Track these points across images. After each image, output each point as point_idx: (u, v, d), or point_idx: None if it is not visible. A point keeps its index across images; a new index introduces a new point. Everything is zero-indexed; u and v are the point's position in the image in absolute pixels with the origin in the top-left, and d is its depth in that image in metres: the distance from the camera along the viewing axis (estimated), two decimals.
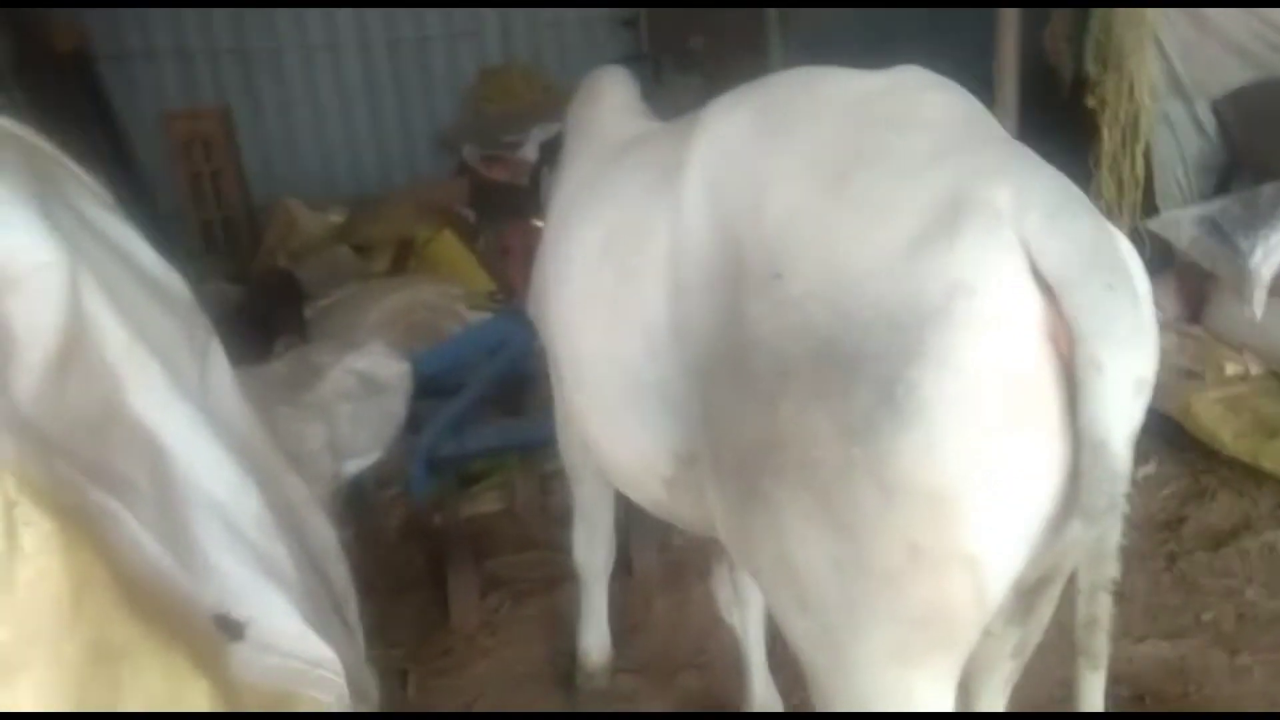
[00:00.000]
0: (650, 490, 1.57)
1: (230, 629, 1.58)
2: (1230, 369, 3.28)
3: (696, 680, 2.54)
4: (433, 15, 8.23)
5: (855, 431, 1.07)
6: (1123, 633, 2.60)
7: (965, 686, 1.33)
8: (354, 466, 2.54)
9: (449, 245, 5.29)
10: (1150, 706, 2.33)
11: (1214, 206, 3.42)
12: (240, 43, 7.72)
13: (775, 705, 2.34)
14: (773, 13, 5.92)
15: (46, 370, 1.39)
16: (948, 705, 1.19)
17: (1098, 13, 3.62)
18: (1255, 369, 3.29)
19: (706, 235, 1.29)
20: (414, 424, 2.67)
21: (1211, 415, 3.10)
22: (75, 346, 1.46)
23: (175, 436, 1.58)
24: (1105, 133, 3.54)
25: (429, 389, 2.77)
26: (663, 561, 3.04)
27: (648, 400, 1.44)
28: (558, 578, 3.03)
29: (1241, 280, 3.10)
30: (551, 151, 2.45)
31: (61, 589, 1.25)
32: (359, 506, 2.65)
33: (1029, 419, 1.04)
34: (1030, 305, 1.03)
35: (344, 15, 8.01)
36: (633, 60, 8.58)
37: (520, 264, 2.58)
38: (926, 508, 1.06)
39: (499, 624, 2.82)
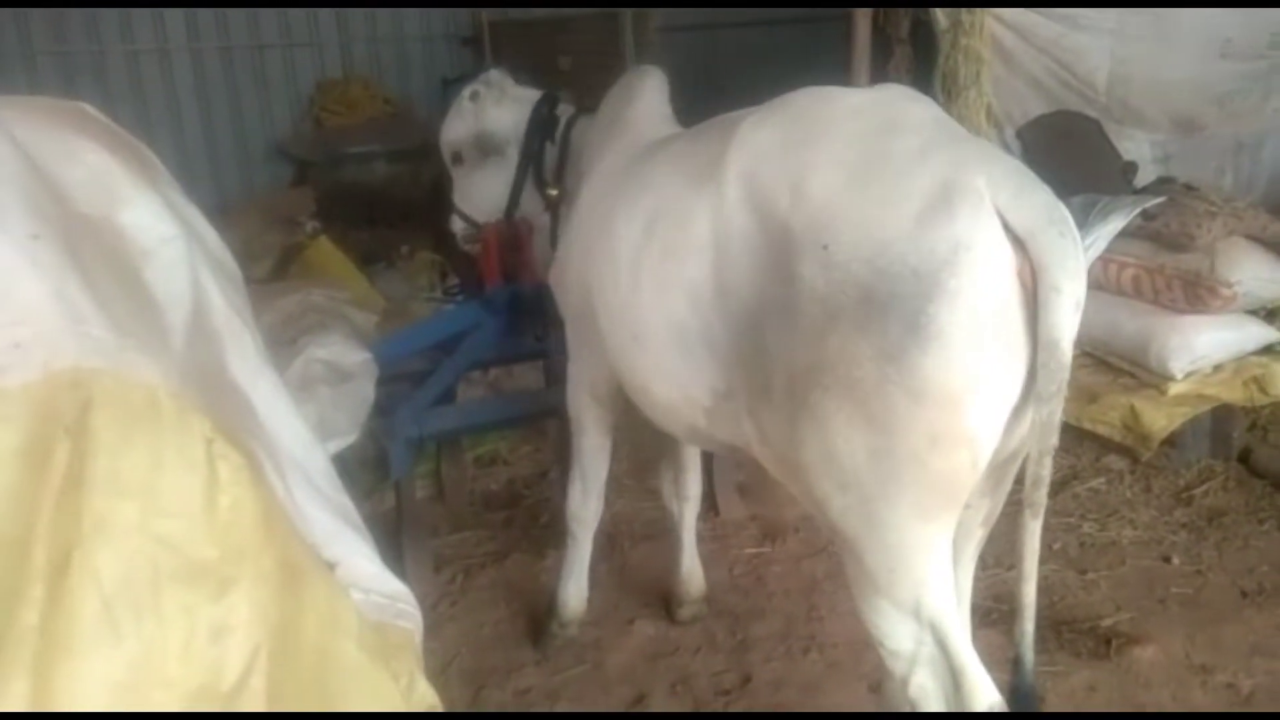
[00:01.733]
0: (690, 419, 1.95)
1: None
2: None
3: (651, 627, 2.84)
4: (270, 24, 8.12)
5: (889, 354, 1.47)
6: (995, 563, 3.12)
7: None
8: (334, 447, 2.66)
9: (326, 251, 5.34)
10: None
11: None
12: (62, 45, 7.33)
13: (698, 570, 2.86)
14: (629, 37, 6.32)
15: (184, 333, 1.55)
16: (948, 548, 1.62)
17: (943, 49, 4.23)
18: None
19: (746, 217, 1.67)
20: (379, 408, 2.82)
21: None
22: (197, 312, 1.61)
23: (262, 399, 1.74)
24: None
25: (385, 375, 2.93)
26: (599, 533, 3.31)
27: (693, 347, 1.80)
28: (500, 553, 3.27)
29: None
30: (540, 125, 2.70)
31: (255, 514, 1.43)
32: None
33: (1007, 333, 1.47)
34: (1006, 254, 1.46)
35: (173, 19, 7.77)
36: (475, 77, 8.78)
37: (496, 258, 2.81)
38: (944, 405, 1.47)
39: (455, 595, 3.01)
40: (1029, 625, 1.63)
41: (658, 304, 1.85)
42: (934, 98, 4.42)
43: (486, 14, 8.44)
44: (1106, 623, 2.76)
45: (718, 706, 2.53)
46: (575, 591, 2.74)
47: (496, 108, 2.75)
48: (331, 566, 1.75)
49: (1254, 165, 5.41)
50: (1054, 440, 1.50)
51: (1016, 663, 1.64)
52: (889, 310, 1.45)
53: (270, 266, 5.26)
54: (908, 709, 1.67)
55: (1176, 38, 5.16)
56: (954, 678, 1.60)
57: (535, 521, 3.48)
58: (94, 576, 1.21)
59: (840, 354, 1.50)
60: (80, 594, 1.20)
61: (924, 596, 1.59)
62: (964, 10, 4.17)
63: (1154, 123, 5.13)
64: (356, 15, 8.46)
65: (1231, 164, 5.35)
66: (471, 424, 3.09)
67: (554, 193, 2.64)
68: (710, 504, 3.45)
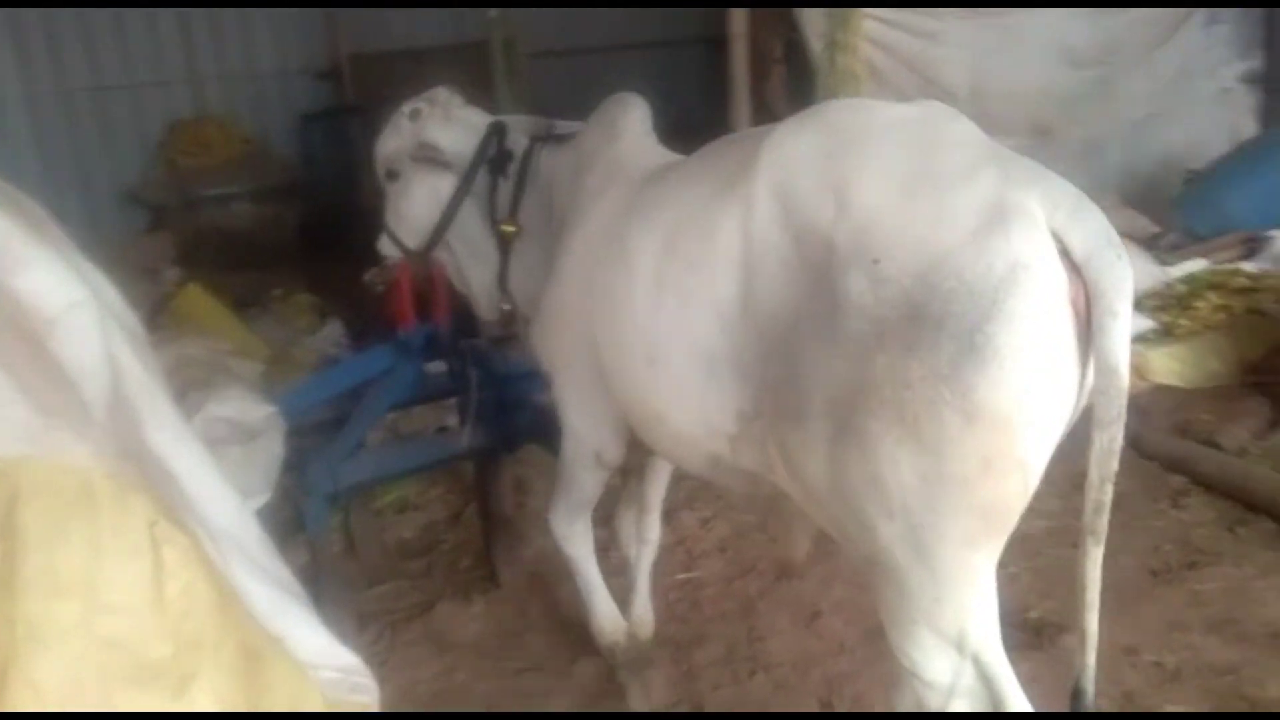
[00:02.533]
0: (710, 448, 1.84)
1: None
2: None
3: (593, 665, 2.76)
4: (112, 64, 7.68)
5: (941, 374, 1.41)
6: None
7: None
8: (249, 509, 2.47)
9: (196, 299, 5.07)
10: None
11: None
12: None
13: (650, 614, 2.78)
14: (500, 64, 6.25)
15: (104, 406, 1.41)
16: (994, 575, 1.56)
17: (822, 69, 4.36)
18: None
19: (780, 231, 1.59)
20: (286, 463, 2.66)
21: None
22: (113, 382, 1.47)
23: (185, 470, 1.60)
24: None
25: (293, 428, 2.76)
26: (525, 572, 3.23)
27: (719, 368, 1.71)
28: (425, 604, 3.13)
29: None
30: (489, 157, 2.53)
31: (209, 599, 1.31)
32: None
33: (1061, 357, 1.43)
34: (1062, 276, 1.42)
35: (5, 63, 7.26)
36: (337, 112, 8.55)
37: (408, 298, 2.68)
38: (997, 428, 1.41)
39: (383, 653, 2.86)
40: (1091, 657, 1.58)
41: (679, 323, 1.76)
42: None
43: (345, 47, 8.23)
44: (1033, 614, 2.85)
45: None
46: (605, 614, 2.62)
47: (440, 128, 2.56)
48: (278, 643, 1.62)
49: (1103, 166, 5.77)
50: (1115, 466, 1.46)
51: (1076, 694, 1.59)
52: (942, 328, 1.40)
53: (138, 320, 4.94)
54: None
55: (1025, 48, 5.46)
56: (995, 709, 1.57)
57: (456, 567, 3.36)
58: (33, 688, 1.08)
59: (889, 373, 1.44)
60: (19, 709, 1.07)
61: (969, 626, 1.54)
62: (838, 30, 4.30)
63: (1012, 129, 5.40)
64: (206, 52, 8.11)
65: (1083, 166, 5.68)
66: (389, 472, 2.95)
67: (511, 229, 2.48)
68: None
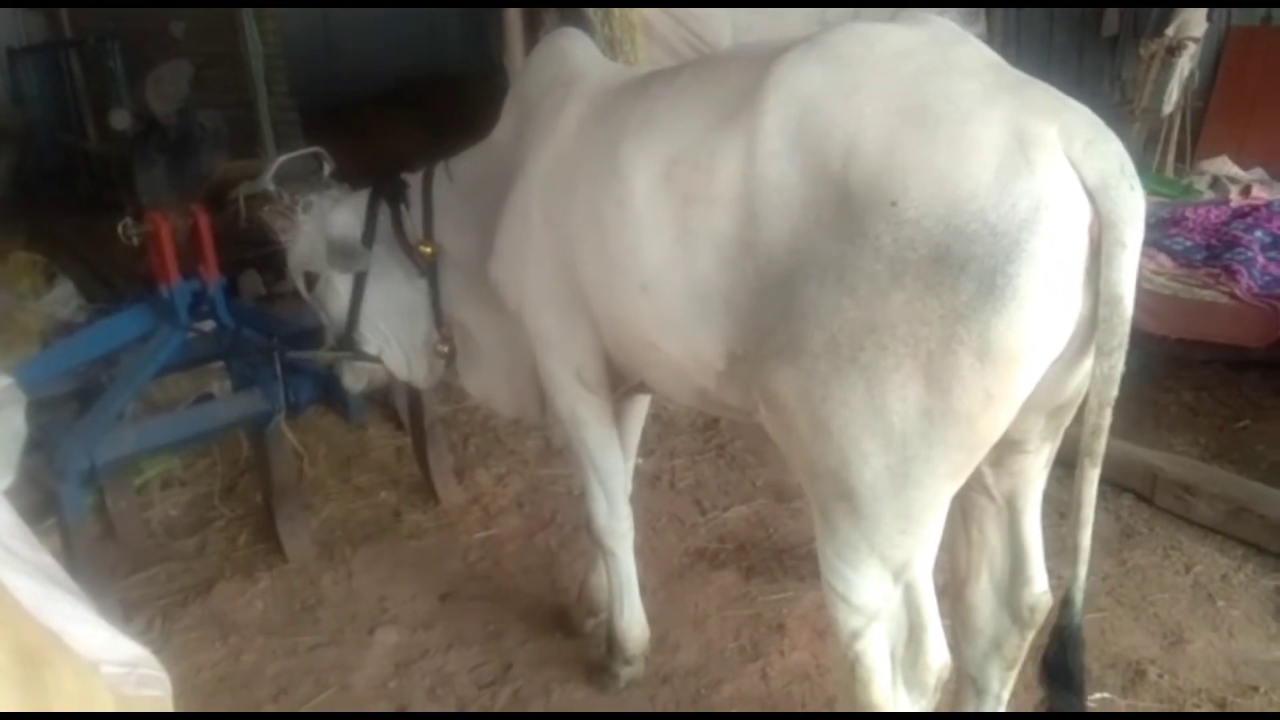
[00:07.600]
0: (699, 382, 1.78)
1: None
2: None
3: (394, 634, 2.67)
4: None
5: (959, 313, 1.40)
6: (712, 506, 3.29)
7: (1012, 504, 1.77)
8: None
9: None
10: (748, 552, 3.03)
11: None
12: None
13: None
14: (248, 11, 5.76)
15: None
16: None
17: (599, 17, 4.32)
18: None
19: (786, 170, 1.52)
20: (30, 441, 2.33)
21: None
22: None
23: None
24: None
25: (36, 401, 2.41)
26: (313, 543, 3.06)
27: (714, 305, 1.64)
28: (201, 585, 2.91)
29: None
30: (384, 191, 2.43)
31: None
32: None
33: (1072, 290, 1.44)
34: (1082, 211, 1.42)
35: None
36: (52, 46, 7.59)
37: (170, 251, 2.39)
38: (1006, 365, 1.42)
39: (157, 643, 2.62)
40: (1082, 569, 1.60)
41: (676, 256, 1.67)
42: None
43: None
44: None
45: (483, 700, 2.44)
46: (633, 618, 2.44)
47: (338, 211, 2.44)
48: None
49: None
50: (1114, 392, 1.49)
51: (1066, 603, 1.62)
52: (964, 269, 1.38)
53: None
54: (847, 664, 1.65)
55: (783, 9, 5.66)
56: (910, 634, 1.62)
57: (235, 543, 3.13)
58: None
59: (904, 312, 1.42)
60: None
61: (916, 556, 1.57)
62: None
63: None
64: None
65: None
66: (155, 446, 2.68)
67: (429, 249, 2.35)
68: (429, 492, 3.31)
